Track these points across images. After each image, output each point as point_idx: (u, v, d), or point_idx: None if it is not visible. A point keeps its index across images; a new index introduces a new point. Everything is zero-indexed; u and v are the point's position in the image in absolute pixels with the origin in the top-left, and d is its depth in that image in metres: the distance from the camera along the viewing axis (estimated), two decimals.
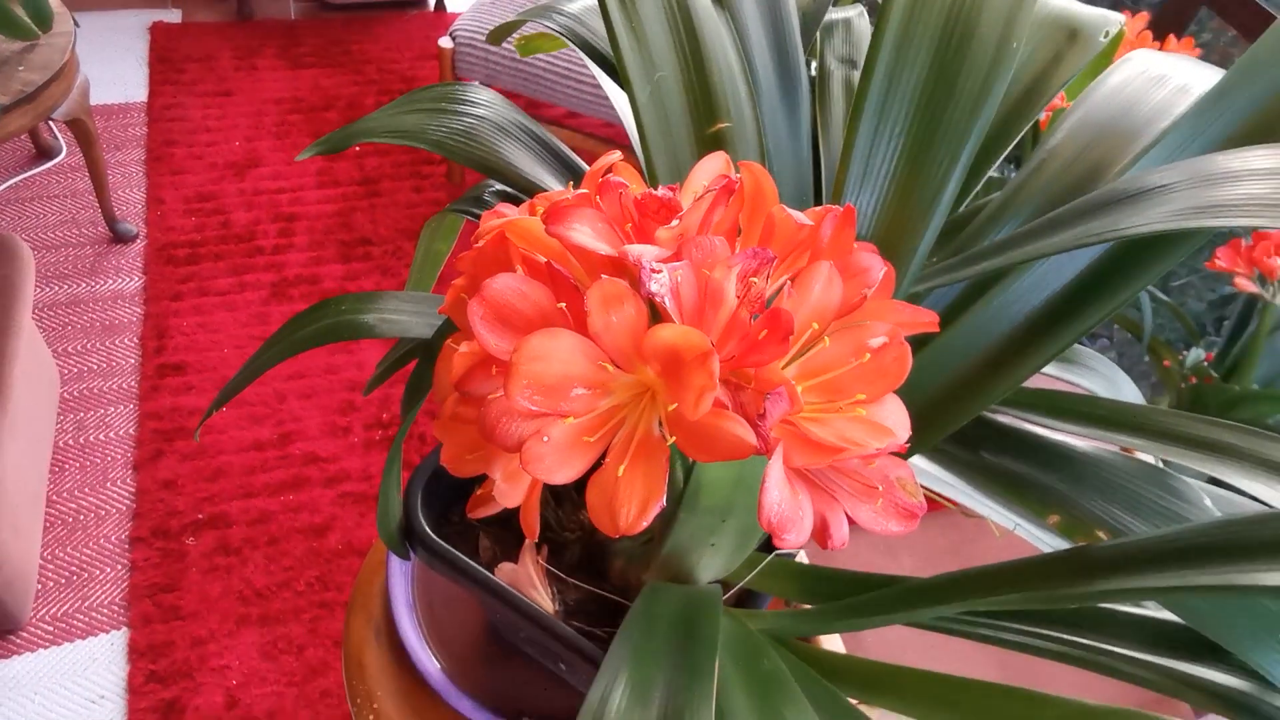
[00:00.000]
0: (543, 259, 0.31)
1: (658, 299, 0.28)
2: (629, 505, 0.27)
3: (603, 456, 0.29)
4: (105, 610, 1.38)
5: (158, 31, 2.41)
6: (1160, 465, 0.44)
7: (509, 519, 0.66)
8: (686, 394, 0.27)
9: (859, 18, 0.57)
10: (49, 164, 1.99)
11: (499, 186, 0.62)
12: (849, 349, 0.31)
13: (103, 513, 1.48)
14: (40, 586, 1.38)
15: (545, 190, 0.54)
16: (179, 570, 1.41)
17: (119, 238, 1.88)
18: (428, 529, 0.57)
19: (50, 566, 1.41)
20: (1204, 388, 1.30)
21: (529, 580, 0.58)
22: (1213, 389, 1.29)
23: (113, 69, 2.27)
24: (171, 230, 1.92)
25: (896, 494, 0.30)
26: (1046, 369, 0.56)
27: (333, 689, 1.32)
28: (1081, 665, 0.44)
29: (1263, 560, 0.36)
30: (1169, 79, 0.46)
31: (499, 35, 0.63)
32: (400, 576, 0.74)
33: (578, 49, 0.55)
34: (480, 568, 0.55)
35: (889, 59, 0.35)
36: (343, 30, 2.55)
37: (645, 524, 0.27)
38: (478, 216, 0.58)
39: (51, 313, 1.74)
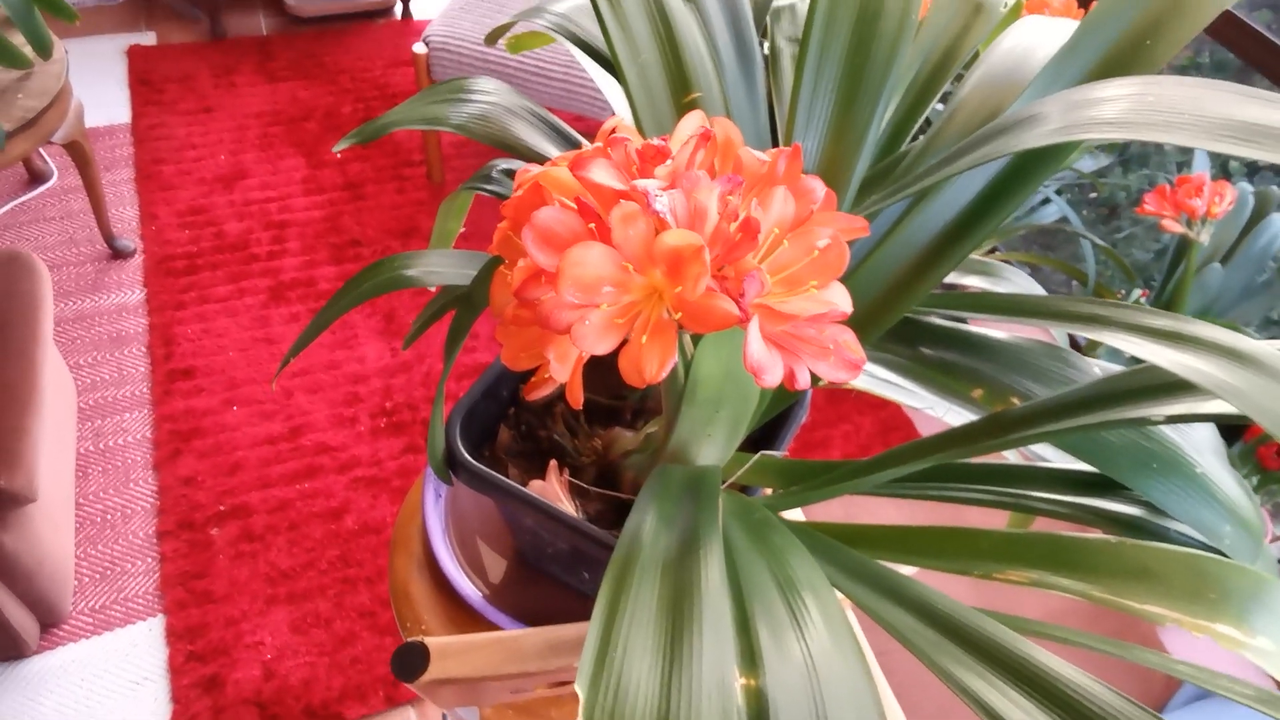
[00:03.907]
0: (569, 200, 0.42)
1: (660, 216, 0.38)
2: (652, 362, 0.38)
3: (625, 340, 0.40)
4: (140, 600, 1.46)
5: (135, 55, 2.48)
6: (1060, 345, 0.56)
7: (531, 453, 0.77)
8: (687, 280, 0.38)
9: (802, 2, 0.68)
10: (43, 187, 2.07)
11: (504, 165, 0.72)
12: (803, 249, 0.41)
13: (129, 511, 1.57)
14: (77, 583, 1.47)
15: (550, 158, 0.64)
16: (207, 558, 1.50)
17: (118, 254, 1.96)
18: (468, 456, 0.67)
19: (84, 564, 1.50)
20: None
21: (555, 495, 0.68)
22: None
23: (95, 93, 2.34)
24: (168, 244, 2.00)
25: (844, 352, 0.41)
26: (975, 281, 0.67)
27: (361, 656, 1.42)
28: (1012, 509, 0.55)
29: (1126, 403, 0.47)
30: (1049, 40, 0.57)
31: (494, 36, 0.73)
32: (435, 516, 0.84)
33: (567, 41, 0.65)
34: (516, 484, 0.65)
35: (820, 32, 0.45)
36: (314, 43, 2.63)
37: (664, 375, 0.38)
38: (487, 191, 0.69)
39: (61, 328, 1.82)
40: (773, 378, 0.38)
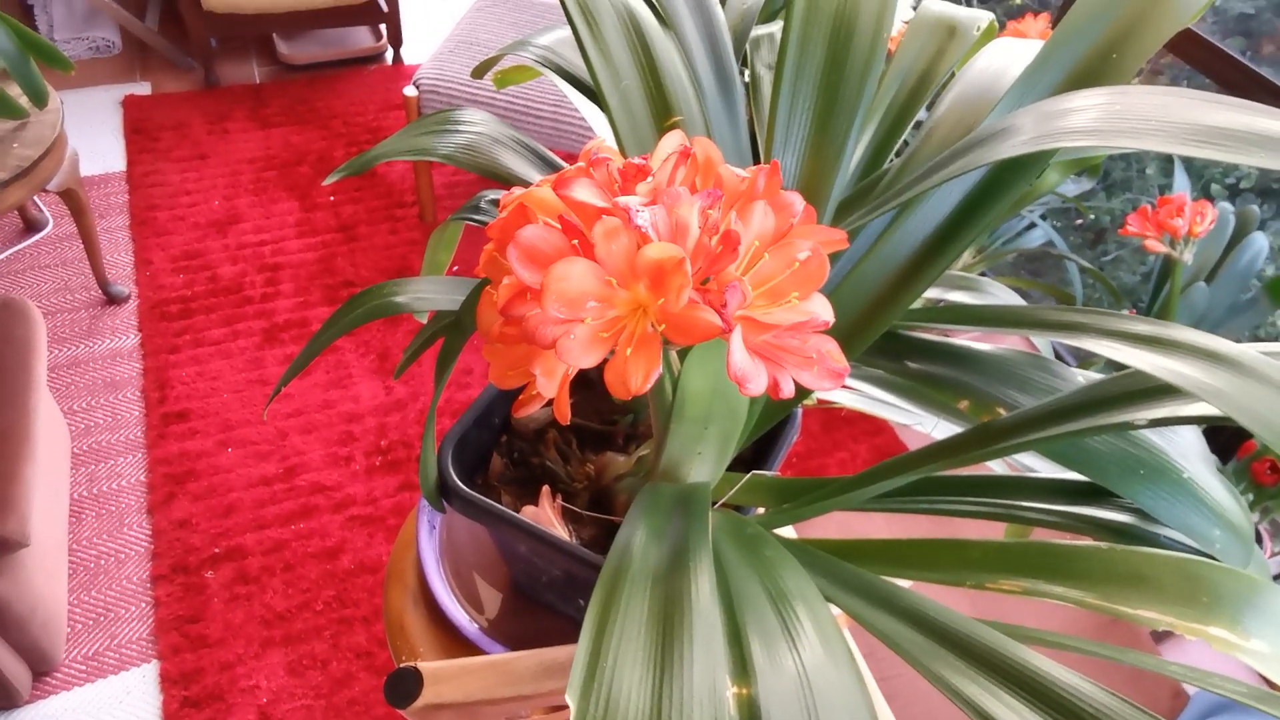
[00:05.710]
0: (552, 219, 0.42)
1: (643, 231, 0.39)
2: (636, 375, 0.38)
3: (611, 353, 0.40)
4: (134, 646, 1.45)
5: (130, 104, 2.51)
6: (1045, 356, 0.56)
7: (524, 480, 0.77)
8: (670, 292, 0.38)
9: (779, 32, 0.69)
10: (39, 235, 2.08)
11: (493, 196, 0.73)
12: (784, 262, 0.42)
13: (122, 556, 1.55)
14: (70, 629, 1.45)
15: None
16: (201, 602, 1.49)
17: (112, 299, 1.96)
18: (461, 484, 0.67)
19: (78, 610, 1.48)
20: None
21: (549, 520, 0.68)
22: None
23: (91, 142, 2.37)
24: (162, 288, 2.01)
25: (827, 361, 0.41)
26: (958, 297, 0.68)
27: (359, 697, 1.40)
28: (1003, 519, 0.55)
29: (1110, 408, 0.47)
30: (1020, 60, 0.59)
31: (482, 70, 0.75)
32: (430, 549, 0.84)
33: (552, 73, 0.67)
34: (509, 510, 0.65)
35: (795, 51, 0.47)
36: (307, 89, 2.67)
37: (648, 386, 0.38)
38: (476, 221, 0.70)
39: (55, 374, 1.82)
40: (756, 386, 0.39)
